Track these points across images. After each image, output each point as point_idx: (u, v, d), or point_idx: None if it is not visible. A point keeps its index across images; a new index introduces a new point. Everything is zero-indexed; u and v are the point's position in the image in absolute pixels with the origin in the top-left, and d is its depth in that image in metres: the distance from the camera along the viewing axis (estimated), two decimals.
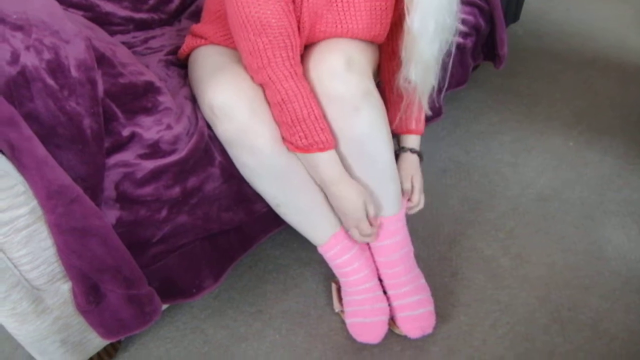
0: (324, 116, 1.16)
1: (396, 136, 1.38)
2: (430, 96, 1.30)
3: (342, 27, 1.19)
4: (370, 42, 1.30)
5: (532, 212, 1.67)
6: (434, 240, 1.58)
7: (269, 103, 1.15)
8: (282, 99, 1.11)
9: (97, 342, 1.21)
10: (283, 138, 1.16)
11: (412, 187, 1.37)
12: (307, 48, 1.23)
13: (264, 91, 1.15)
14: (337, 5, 1.17)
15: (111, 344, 1.29)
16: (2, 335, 1.37)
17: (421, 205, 1.39)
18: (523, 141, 1.94)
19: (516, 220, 1.64)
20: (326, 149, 1.14)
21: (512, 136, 1.97)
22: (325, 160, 1.16)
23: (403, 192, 1.35)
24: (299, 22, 1.15)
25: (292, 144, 1.14)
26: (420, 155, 1.39)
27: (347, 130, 1.17)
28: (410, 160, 1.37)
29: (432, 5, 1.10)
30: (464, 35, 1.71)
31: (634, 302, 1.41)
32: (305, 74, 1.17)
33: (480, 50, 1.89)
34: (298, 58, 1.15)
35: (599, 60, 2.41)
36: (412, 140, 1.38)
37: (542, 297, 1.42)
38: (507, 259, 1.52)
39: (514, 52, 2.43)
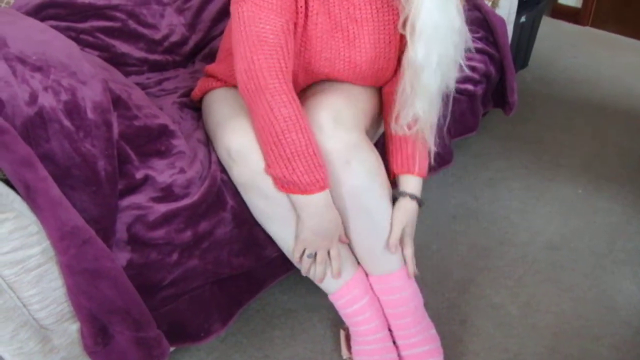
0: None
1: (396, 180, 1.31)
2: (434, 133, 1.27)
3: (345, 56, 1.20)
4: (371, 85, 1.32)
5: (541, 260, 1.66)
6: (442, 287, 1.57)
7: (257, 131, 1.12)
8: (282, 129, 1.08)
9: None
10: (275, 177, 1.12)
11: (402, 237, 1.27)
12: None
13: (251, 118, 1.13)
14: (341, 34, 1.18)
15: None
16: None
17: (412, 265, 1.28)
18: (532, 188, 1.95)
19: (525, 268, 1.63)
20: (325, 188, 1.12)
21: (520, 183, 1.97)
22: (322, 199, 1.13)
23: (389, 242, 1.24)
24: (304, 45, 1.17)
25: (288, 182, 1.10)
26: (420, 202, 1.29)
27: (339, 185, 1.17)
28: (407, 208, 1.26)
29: (436, 37, 1.11)
30: (475, 82, 1.73)
31: None
32: None
33: (490, 97, 1.91)
34: (290, 82, 1.12)
35: (606, 107, 2.42)
36: (412, 184, 1.28)
37: (550, 347, 1.41)
38: (516, 307, 1.51)
39: (522, 98, 2.44)
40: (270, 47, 1.08)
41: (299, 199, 1.12)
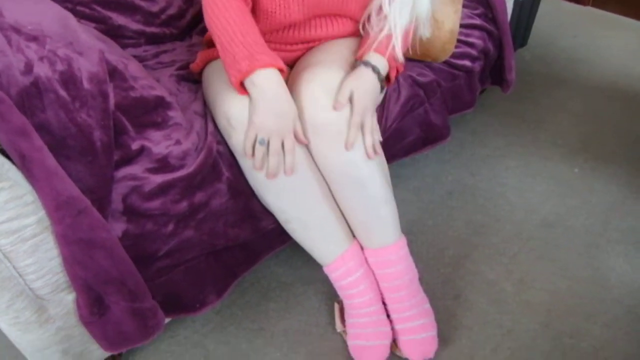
0: None
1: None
2: (408, 39, 1.26)
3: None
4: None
5: (536, 237, 1.67)
6: (437, 263, 1.58)
7: (215, 35, 1.14)
8: (231, 22, 1.12)
9: (98, 354, 1.21)
10: (228, 67, 1.13)
11: (352, 104, 1.18)
12: (292, 78, 1.25)
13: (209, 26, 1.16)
14: None
15: (112, 356, 1.29)
16: (2, 344, 1.37)
17: (370, 148, 1.20)
18: (528, 166, 1.95)
19: (520, 245, 1.64)
20: (276, 66, 1.12)
21: (517, 161, 1.97)
22: (275, 75, 1.12)
23: (337, 100, 1.16)
24: None
25: (240, 61, 1.10)
26: (381, 80, 1.22)
27: (333, 158, 1.17)
28: (361, 74, 1.19)
29: None
30: (472, 59, 1.72)
31: (636, 331, 1.40)
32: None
33: (488, 74, 1.90)
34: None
35: (605, 87, 2.41)
36: (375, 58, 1.22)
37: (544, 324, 1.42)
38: (510, 284, 1.52)
39: (521, 77, 2.44)
40: None
41: (249, 81, 1.11)
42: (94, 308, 1.06)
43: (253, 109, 1.13)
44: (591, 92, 2.38)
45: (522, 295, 1.49)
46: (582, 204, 1.79)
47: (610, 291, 1.50)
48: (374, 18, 1.25)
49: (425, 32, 1.28)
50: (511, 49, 1.84)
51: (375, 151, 1.20)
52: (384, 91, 1.41)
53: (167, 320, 1.22)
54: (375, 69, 1.20)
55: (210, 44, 1.37)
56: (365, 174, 1.19)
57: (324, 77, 1.17)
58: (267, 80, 1.10)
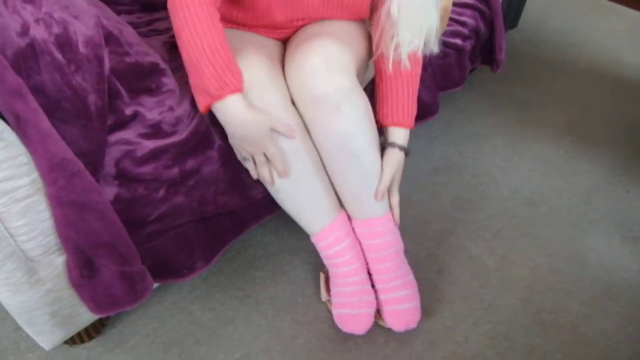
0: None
1: (384, 129, 1.34)
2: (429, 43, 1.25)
3: None
4: (351, 19, 1.32)
5: (520, 215, 1.70)
6: (422, 237, 1.60)
7: (177, 36, 1.09)
8: (190, 35, 1.06)
9: (86, 317, 1.22)
10: (194, 90, 1.11)
11: (390, 185, 1.31)
12: (289, 49, 1.25)
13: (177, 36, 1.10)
14: None
15: (99, 320, 1.31)
16: None
17: (397, 213, 1.33)
18: (515, 146, 1.97)
19: (504, 222, 1.67)
20: (237, 91, 1.10)
21: (504, 140, 2.00)
22: (238, 102, 1.10)
23: (378, 189, 1.26)
24: None
25: (202, 90, 1.09)
26: (407, 152, 1.32)
27: (329, 130, 1.18)
28: (396, 157, 1.29)
29: None
30: (464, 37, 1.73)
31: (612, 309, 1.44)
32: (286, 77, 1.20)
33: (478, 53, 1.92)
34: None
35: (592, 71, 2.44)
36: (400, 135, 1.31)
37: (524, 299, 1.45)
38: (493, 260, 1.55)
39: (510, 58, 2.45)
40: None
41: (216, 107, 1.11)
42: (84, 270, 1.07)
43: (226, 131, 1.16)
44: (579, 76, 2.41)
45: (504, 271, 1.52)
46: (566, 185, 1.82)
47: (589, 270, 1.54)
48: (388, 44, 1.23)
49: (434, 47, 1.25)
50: (502, 29, 1.85)
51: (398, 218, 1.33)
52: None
53: (155, 285, 1.23)
54: (401, 148, 1.29)
55: None
56: (360, 146, 1.21)
57: (326, 49, 1.16)
58: (234, 108, 1.10)
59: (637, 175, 1.88)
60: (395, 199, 1.32)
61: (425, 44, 1.23)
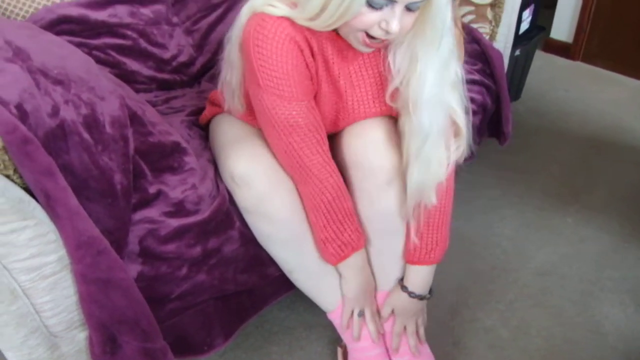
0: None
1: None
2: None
3: (359, 111, 1.21)
4: None
5: (531, 285, 1.70)
6: (436, 309, 1.60)
7: (306, 204, 1.19)
8: (332, 197, 1.15)
9: None
10: (325, 242, 1.19)
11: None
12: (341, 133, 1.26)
13: (298, 189, 1.19)
14: (346, 97, 1.19)
15: None
16: None
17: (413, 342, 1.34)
18: (523, 216, 1.99)
19: (516, 292, 1.68)
20: (362, 246, 1.23)
21: (512, 210, 2.02)
22: (364, 254, 1.25)
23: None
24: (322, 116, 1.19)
25: (340, 243, 1.19)
26: (421, 297, 1.31)
27: (376, 203, 1.20)
28: (396, 294, 1.31)
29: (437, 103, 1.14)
30: (473, 113, 1.77)
31: None
32: (339, 147, 1.22)
33: (485, 127, 1.96)
34: (328, 150, 1.18)
35: (595, 140, 2.47)
36: (413, 280, 1.29)
37: None
38: (507, 330, 1.55)
39: (514, 129, 2.46)
40: (302, 129, 1.12)
41: (349, 260, 1.21)
42: (107, 347, 1.08)
43: (347, 287, 1.26)
44: (582, 145, 2.44)
45: (518, 342, 1.52)
46: (576, 253, 1.83)
47: (605, 338, 1.53)
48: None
49: (432, 199, 1.20)
50: (508, 102, 1.89)
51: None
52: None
53: None
54: (412, 295, 1.29)
55: (215, 103, 1.36)
56: (396, 227, 1.24)
57: (387, 126, 1.19)
58: (361, 261, 1.24)
59: None
60: (411, 337, 1.33)
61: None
